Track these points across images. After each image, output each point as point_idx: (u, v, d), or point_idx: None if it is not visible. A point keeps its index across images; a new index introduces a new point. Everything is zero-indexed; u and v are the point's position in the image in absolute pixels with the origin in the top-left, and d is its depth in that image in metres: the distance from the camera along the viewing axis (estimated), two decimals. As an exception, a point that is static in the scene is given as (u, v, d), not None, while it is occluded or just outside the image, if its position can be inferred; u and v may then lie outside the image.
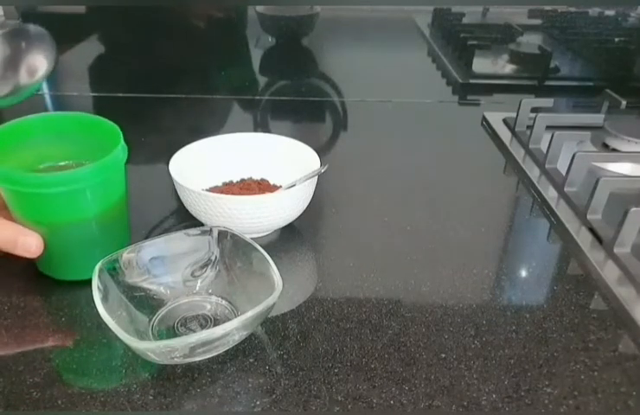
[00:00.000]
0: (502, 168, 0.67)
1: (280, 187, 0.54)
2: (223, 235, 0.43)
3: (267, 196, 0.47)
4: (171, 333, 0.39)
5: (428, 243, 0.51)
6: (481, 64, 0.96)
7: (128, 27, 0.94)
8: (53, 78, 0.94)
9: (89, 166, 0.40)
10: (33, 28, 0.53)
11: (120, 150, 0.43)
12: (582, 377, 0.37)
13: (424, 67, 1.03)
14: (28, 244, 0.40)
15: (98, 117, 0.46)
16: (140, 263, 0.41)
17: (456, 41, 1.01)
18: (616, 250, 0.47)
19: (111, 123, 0.45)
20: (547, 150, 0.62)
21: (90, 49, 0.94)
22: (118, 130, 0.44)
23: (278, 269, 0.38)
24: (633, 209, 0.46)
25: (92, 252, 0.42)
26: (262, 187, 0.54)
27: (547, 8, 1.15)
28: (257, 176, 0.57)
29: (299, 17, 1.02)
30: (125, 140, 0.44)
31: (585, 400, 0.35)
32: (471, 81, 0.93)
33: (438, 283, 0.45)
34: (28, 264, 0.44)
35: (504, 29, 1.08)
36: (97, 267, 0.37)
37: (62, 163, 0.47)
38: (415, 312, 0.42)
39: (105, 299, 0.36)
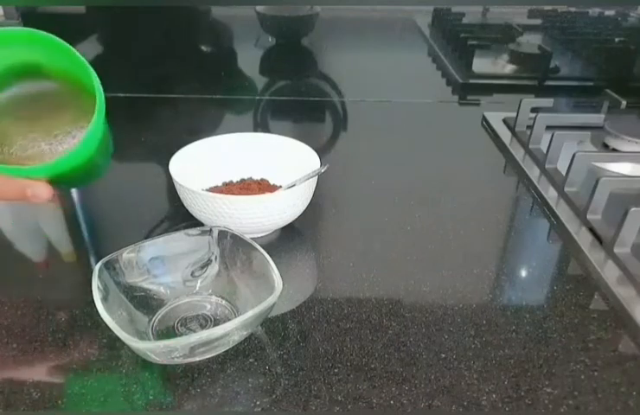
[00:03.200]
0: (502, 168, 0.67)
1: (280, 187, 0.54)
2: (223, 235, 0.43)
3: (267, 196, 0.47)
4: (171, 333, 0.39)
5: (428, 243, 0.51)
6: (481, 64, 0.96)
7: (128, 27, 0.94)
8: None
9: (81, 146, 0.39)
10: None
11: (102, 109, 0.41)
12: (582, 377, 0.37)
13: (424, 66, 1.03)
14: (38, 192, 0.39)
15: (68, 48, 0.42)
16: (140, 263, 0.41)
17: (456, 41, 1.01)
18: (616, 250, 0.47)
19: (86, 66, 0.41)
20: (547, 150, 0.62)
21: (90, 50, 0.94)
22: (96, 82, 0.41)
23: (278, 269, 0.38)
24: (633, 209, 0.46)
25: (91, 169, 0.43)
26: (262, 187, 0.54)
27: (547, 8, 1.15)
28: (257, 176, 0.57)
29: (299, 17, 1.02)
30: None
31: (585, 400, 0.35)
32: (471, 81, 0.93)
33: (438, 283, 0.45)
34: (28, 263, 0.44)
35: (504, 29, 1.08)
36: (97, 267, 0.37)
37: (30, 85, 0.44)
38: (415, 312, 0.42)
39: (105, 299, 0.36)
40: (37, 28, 0.40)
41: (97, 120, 0.40)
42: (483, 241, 0.52)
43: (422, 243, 0.51)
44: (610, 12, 1.10)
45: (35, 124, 0.45)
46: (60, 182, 0.41)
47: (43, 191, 0.39)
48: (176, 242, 0.43)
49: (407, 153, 0.71)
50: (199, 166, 0.54)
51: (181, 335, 0.39)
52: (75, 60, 0.41)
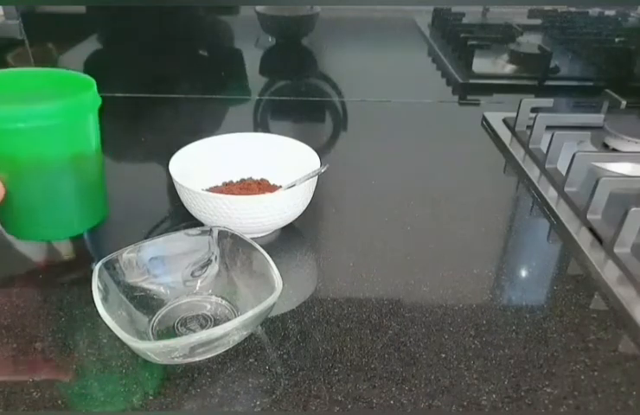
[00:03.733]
0: (502, 168, 0.67)
1: (280, 187, 0.54)
2: (223, 235, 0.43)
3: (267, 196, 0.47)
4: (171, 333, 0.39)
5: (428, 243, 0.51)
6: (481, 64, 0.96)
7: (128, 27, 0.94)
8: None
9: (55, 104, 0.39)
10: None
11: (91, 95, 0.41)
12: (582, 377, 0.37)
13: (424, 66, 1.03)
14: None
15: (70, 71, 0.44)
16: (140, 263, 0.41)
17: (456, 41, 1.01)
18: (616, 250, 0.47)
19: (84, 75, 0.43)
20: (547, 150, 0.62)
21: (90, 49, 0.94)
22: (91, 79, 0.43)
23: (278, 269, 0.38)
24: (633, 209, 0.46)
25: (59, 210, 0.41)
26: (262, 187, 0.54)
27: (547, 8, 1.15)
28: (257, 176, 0.57)
29: (299, 17, 1.02)
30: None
31: (585, 400, 0.35)
32: (471, 81, 0.93)
33: (438, 283, 0.45)
34: (28, 263, 0.44)
35: (504, 29, 1.07)
36: (97, 267, 0.37)
37: None
38: (415, 312, 0.42)
39: (105, 299, 0.36)
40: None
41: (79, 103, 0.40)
42: (483, 241, 0.52)
43: (422, 243, 0.51)
44: (610, 12, 1.10)
45: None
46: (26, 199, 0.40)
47: None
48: (176, 242, 0.43)
49: (407, 153, 0.71)
50: (199, 166, 0.54)
51: (181, 335, 0.39)
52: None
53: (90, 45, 0.94)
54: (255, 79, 0.96)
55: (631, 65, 0.94)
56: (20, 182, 0.40)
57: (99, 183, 0.46)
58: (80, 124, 0.42)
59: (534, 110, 0.72)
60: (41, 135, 0.39)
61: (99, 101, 0.43)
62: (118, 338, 0.33)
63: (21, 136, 0.38)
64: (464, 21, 1.11)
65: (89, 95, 0.42)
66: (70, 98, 0.40)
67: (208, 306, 0.42)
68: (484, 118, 0.79)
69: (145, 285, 0.41)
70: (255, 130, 0.76)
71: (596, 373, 0.37)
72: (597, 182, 0.51)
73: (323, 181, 0.52)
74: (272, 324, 0.40)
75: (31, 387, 0.35)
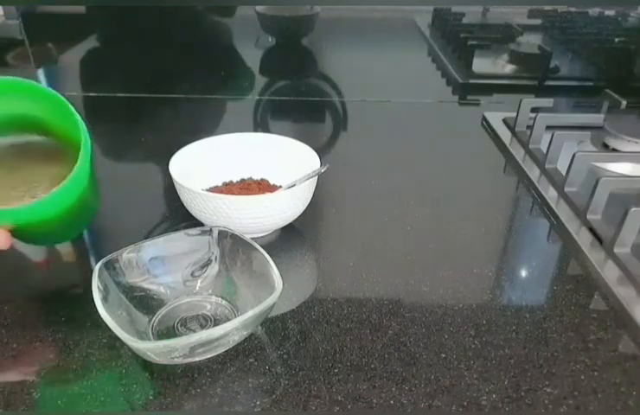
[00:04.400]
0: (502, 168, 0.67)
1: (280, 187, 0.54)
2: (223, 235, 0.43)
3: (267, 196, 0.47)
4: (171, 333, 0.39)
5: (428, 243, 0.51)
6: (481, 64, 0.96)
7: (128, 27, 0.94)
8: (52, 78, 0.94)
9: (57, 191, 0.37)
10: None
11: (85, 155, 0.39)
12: (582, 377, 0.37)
13: (424, 66, 1.03)
14: None
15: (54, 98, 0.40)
16: (140, 263, 0.41)
17: (456, 41, 1.01)
18: (616, 250, 0.47)
19: (72, 112, 0.40)
20: (547, 150, 0.62)
21: (90, 49, 0.94)
22: (78, 120, 0.39)
23: (278, 269, 0.38)
24: (633, 209, 0.46)
25: (61, 232, 0.42)
26: (262, 187, 0.54)
27: (547, 8, 1.15)
28: (257, 176, 0.57)
29: (299, 17, 1.02)
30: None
31: (585, 400, 0.35)
32: (471, 81, 0.93)
33: (438, 283, 0.45)
34: (28, 263, 0.44)
35: (504, 29, 1.08)
36: (97, 267, 0.37)
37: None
38: (415, 312, 0.42)
39: (105, 299, 0.36)
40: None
41: (76, 176, 0.38)
42: (483, 241, 0.52)
43: (422, 243, 0.51)
44: (610, 12, 1.10)
45: (16, 174, 0.43)
46: (29, 235, 0.40)
47: (1, 239, 0.38)
48: (176, 242, 0.43)
49: (407, 153, 0.71)
50: (199, 166, 0.54)
51: (181, 335, 0.39)
52: (66, 112, 0.40)
53: (90, 45, 0.94)
54: (255, 79, 0.96)
55: (631, 65, 0.94)
56: (23, 233, 0.40)
57: (93, 196, 0.44)
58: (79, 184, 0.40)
59: (534, 110, 0.72)
60: (41, 215, 0.38)
61: (88, 140, 0.40)
62: (118, 338, 0.33)
63: (19, 226, 0.38)
64: (464, 21, 1.11)
65: (85, 156, 0.39)
66: (74, 176, 0.38)
67: (208, 306, 0.42)
68: (484, 118, 0.79)
69: (145, 285, 0.41)
70: (255, 130, 0.76)
71: (596, 373, 0.37)
72: (597, 182, 0.51)
73: (323, 181, 0.52)
74: (272, 324, 0.40)
75: (31, 387, 0.35)
